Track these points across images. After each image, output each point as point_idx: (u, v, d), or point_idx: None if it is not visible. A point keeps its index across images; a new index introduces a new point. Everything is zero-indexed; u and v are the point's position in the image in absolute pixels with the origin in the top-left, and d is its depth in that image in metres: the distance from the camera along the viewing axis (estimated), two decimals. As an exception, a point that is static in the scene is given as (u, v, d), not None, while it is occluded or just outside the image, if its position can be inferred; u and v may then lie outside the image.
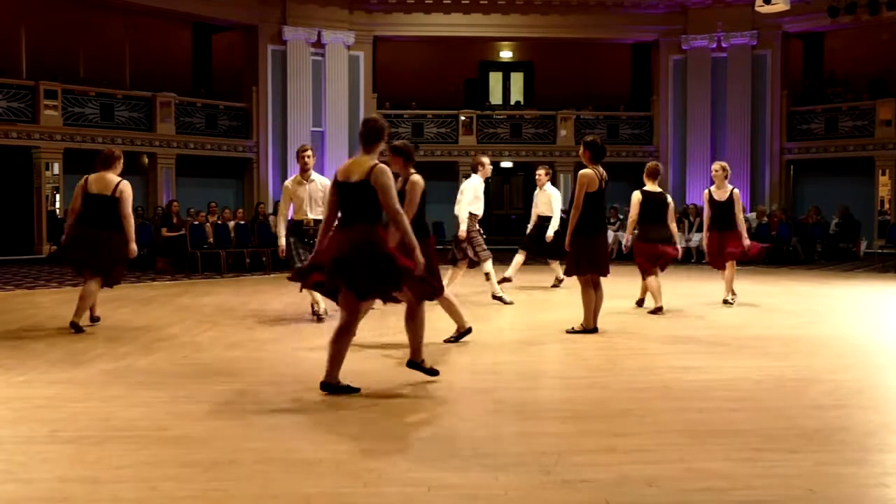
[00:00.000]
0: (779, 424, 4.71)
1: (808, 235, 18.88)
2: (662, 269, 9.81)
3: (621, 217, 18.71)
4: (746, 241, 10.06)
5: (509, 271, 11.74)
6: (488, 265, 10.31)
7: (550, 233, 11.87)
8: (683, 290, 12.38)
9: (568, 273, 8.06)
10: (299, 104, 22.39)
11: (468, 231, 10.10)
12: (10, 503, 3.56)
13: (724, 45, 22.82)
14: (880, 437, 4.56)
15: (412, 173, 6.89)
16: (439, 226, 21.27)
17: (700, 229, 18.00)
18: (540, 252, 12.23)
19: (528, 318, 9.42)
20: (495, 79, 27.06)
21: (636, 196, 9.72)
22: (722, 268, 10.29)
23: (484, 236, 10.41)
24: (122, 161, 8.52)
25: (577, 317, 8.10)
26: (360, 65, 23.30)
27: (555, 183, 23.66)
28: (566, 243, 7.94)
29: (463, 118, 23.94)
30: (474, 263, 10.30)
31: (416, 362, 5.81)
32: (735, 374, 6.11)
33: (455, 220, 10.30)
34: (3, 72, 19.66)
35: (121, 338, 7.81)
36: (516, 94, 26.87)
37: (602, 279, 7.98)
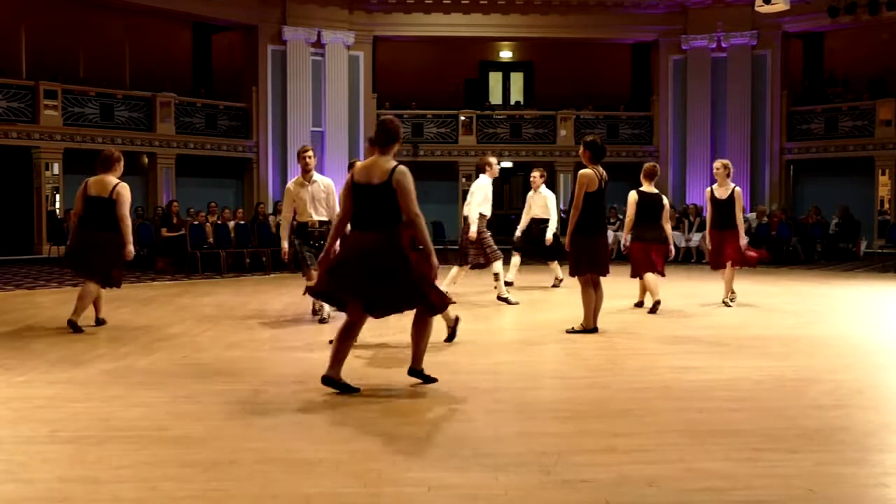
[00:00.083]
0: (779, 424, 4.71)
1: (808, 235, 18.88)
2: (663, 275, 9.81)
3: (621, 217, 18.70)
4: (744, 241, 10.00)
5: (509, 275, 11.74)
6: (498, 265, 10.30)
7: (549, 235, 11.88)
8: (683, 290, 12.38)
9: (570, 273, 8.05)
10: (299, 104, 22.39)
11: (479, 232, 10.08)
12: (10, 503, 3.56)
13: (724, 45, 22.83)
14: (880, 437, 4.56)
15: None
16: (439, 226, 21.30)
17: (700, 229, 18.06)
18: (537, 253, 12.20)
19: (528, 318, 9.42)
20: (495, 79, 27.06)
21: (632, 196, 9.77)
22: (720, 268, 10.29)
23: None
24: (122, 162, 8.51)
25: (577, 317, 8.10)
26: (360, 65, 23.31)
27: (555, 183, 23.83)
28: (566, 243, 7.94)
29: (463, 118, 23.95)
30: (479, 265, 10.27)
31: (417, 370, 5.73)
32: (735, 374, 6.11)
33: (456, 220, 10.32)
34: (3, 72, 19.66)
35: (121, 338, 7.81)
36: (516, 94, 26.87)
37: (602, 279, 7.98)
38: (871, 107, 21.85)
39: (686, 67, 23.32)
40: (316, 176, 8.75)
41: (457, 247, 10.35)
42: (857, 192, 21.50)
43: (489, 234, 10.34)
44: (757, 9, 19.23)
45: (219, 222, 16.74)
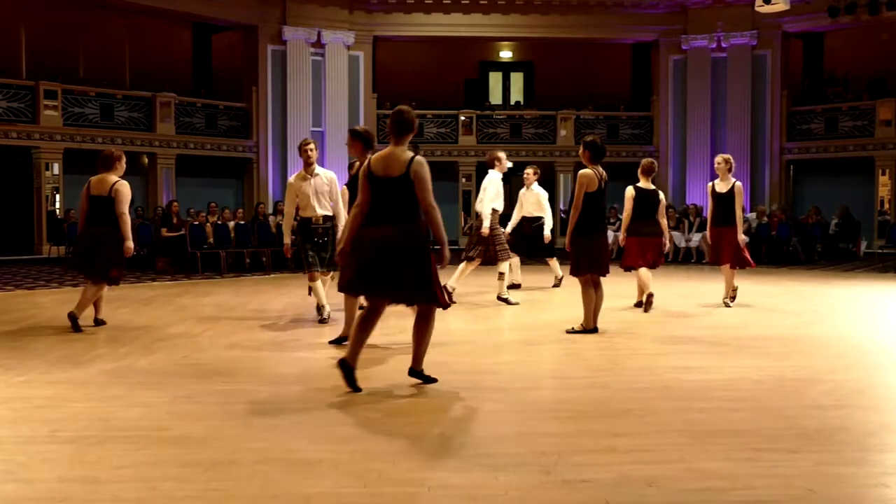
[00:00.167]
0: (779, 424, 4.71)
1: (808, 235, 18.88)
2: (654, 267, 9.88)
3: (621, 217, 18.70)
4: (741, 237, 9.92)
5: (516, 276, 11.72)
6: (505, 265, 10.29)
7: (548, 232, 11.86)
8: (683, 290, 12.38)
9: (570, 273, 8.05)
10: (299, 104, 22.39)
11: (492, 228, 10.05)
12: (10, 503, 3.56)
13: (724, 45, 22.83)
14: (880, 437, 4.56)
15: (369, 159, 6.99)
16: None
17: (700, 229, 18.07)
18: (529, 251, 12.12)
19: (528, 318, 9.42)
20: (495, 79, 27.07)
21: (629, 192, 9.84)
22: (718, 262, 10.24)
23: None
24: (123, 161, 8.55)
25: (577, 317, 8.10)
26: (360, 65, 23.31)
27: (555, 183, 23.84)
28: (566, 243, 7.94)
29: (463, 118, 23.96)
30: (489, 261, 10.23)
31: (417, 371, 5.71)
32: (735, 374, 6.11)
33: (456, 220, 10.30)
34: (3, 72, 19.67)
35: (121, 338, 7.81)
36: (516, 94, 26.88)
37: (602, 279, 7.98)
38: (871, 107, 21.85)
39: (686, 67, 23.33)
40: (318, 169, 8.60)
41: (459, 245, 10.32)
42: (857, 192, 21.50)
43: (502, 231, 10.31)
44: (757, 9, 19.23)
45: (219, 222, 16.74)
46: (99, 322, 8.53)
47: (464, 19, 23.25)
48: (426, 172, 5.37)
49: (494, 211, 10.09)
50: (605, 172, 7.89)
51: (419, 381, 5.69)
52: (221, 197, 20.47)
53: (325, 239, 8.44)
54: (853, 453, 4.20)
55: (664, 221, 10.06)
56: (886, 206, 21.71)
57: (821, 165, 23.07)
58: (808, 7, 20.60)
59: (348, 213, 7.13)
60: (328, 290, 8.62)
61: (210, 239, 16.30)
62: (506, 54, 26.89)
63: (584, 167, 7.89)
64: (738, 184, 10.02)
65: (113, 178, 8.32)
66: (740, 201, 9.96)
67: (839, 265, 17.25)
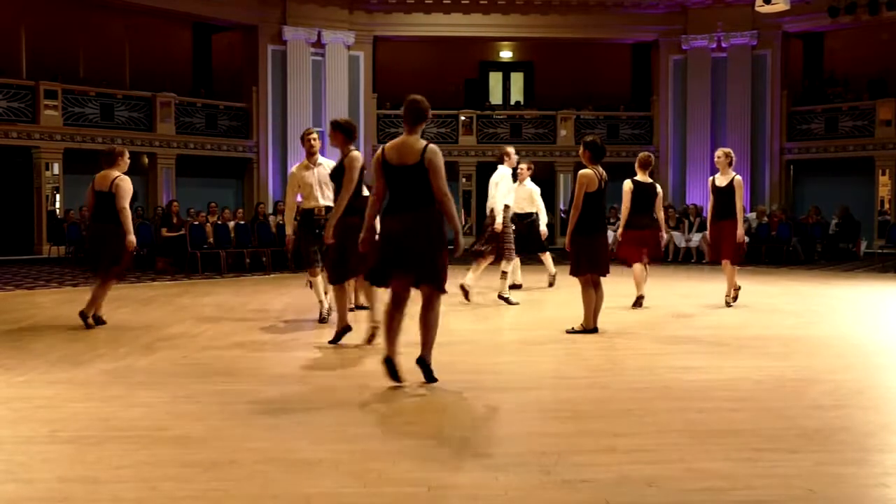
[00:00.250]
0: (779, 424, 4.71)
1: (808, 235, 18.87)
2: (649, 259, 10.00)
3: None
4: (740, 231, 9.83)
5: (517, 277, 11.70)
6: (510, 266, 10.27)
7: (544, 227, 11.83)
8: (683, 290, 12.38)
9: (571, 273, 8.05)
10: (299, 104, 22.40)
11: (504, 224, 10.01)
12: (10, 503, 3.56)
13: (724, 45, 22.84)
14: (880, 437, 4.56)
15: (351, 150, 7.02)
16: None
17: (700, 229, 18.07)
18: (523, 248, 12.06)
19: (528, 318, 9.42)
20: (495, 79, 27.08)
21: (627, 185, 9.90)
22: (716, 258, 10.22)
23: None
24: (126, 157, 8.67)
25: (577, 317, 8.10)
26: (360, 65, 23.32)
27: (555, 183, 23.85)
28: (566, 243, 7.94)
29: (463, 118, 23.96)
30: (496, 258, 10.21)
31: (425, 361, 5.66)
32: (735, 374, 6.11)
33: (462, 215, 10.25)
34: (3, 72, 19.68)
35: (121, 338, 7.81)
36: (516, 94, 26.88)
37: (602, 279, 7.98)
38: (871, 107, 21.86)
39: (686, 67, 23.34)
40: (321, 159, 8.48)
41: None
42: (857, 192, 21.50)
43: (512, 229, 10.28)
44: (757, 9, 19.24)
45: (219, 222, 16.74)
46: (98, 320, 8.53)
47: (464, 19, 23.26)
48: (440, 160, 5.44)
49: (506, 207, 10.06)
50: (605, 172, 7.89)
51: (422, 371, 5.64)
52: (221, 197, 20.47)
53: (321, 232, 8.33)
54: (853, 453, 4.20)
55: (661, 214, 10.17)
56: (886, 206, 21.72)
57: (821, 165, 23.08)
58: (808, 7, 20.61)
59: (334, 202, 7.18)
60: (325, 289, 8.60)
61: (210, 239, 16.30)
62: (506, 54, 26.90)
63: (585, 167, 7.89)
64: (738, 178, 9.90)
65: (115, 173, 8.44)
66: (740, 195, 9.85)
67: (839, 265, 17.25)
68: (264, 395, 5.48)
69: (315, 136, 8.54)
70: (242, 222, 17.43)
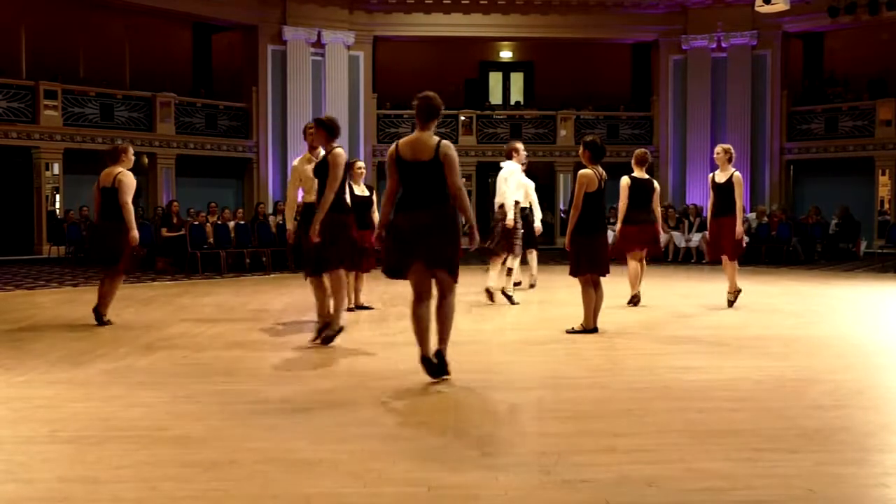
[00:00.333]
0: (779, 424, 4.71)
1: (808, 235, 18.88)
2: (648, 256, 10.14)
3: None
4: (739, 229, 9.73)
5: (517, 275, 11.67)
6: (516, 262, 10.26)
7: (539, 223, 11.80)
8: (683, 290, 12.38)
9: (570, 273, 8.05)
10: (299, 104, 22.40)
11: (515, 221, 10.00)
12: (10, 503, 3.56)
13: (724, 45, 22.85)
14: (880, 437, 4.56)
15: (334, 147, 7.02)
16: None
17: (700, 229, 18.07)
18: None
19: (528, 317, 9.42)
20: (495, 79, 27.08)
21: (624, 181, 9.96)
22: (716, 257, 10.20)
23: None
24: (129, 153, 8.76)
25: (577, 317, 8.10)
26: (360, 65, 23.33)
27: (555, 183, 23.85)
28: (566, 243, 7.94)
29: (463, 118, 23.96)
30: (509, 252, 10.19)
31: (441, 354, 5.71)
32: (735, 374, 6.11)
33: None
34: (3, 72, 19.68)
35: (121, 338, 7.81)
36: (516, 94, 26.89)
37: (602, 279, 7.98)
38: (871, 107, 21.87)
39: (686, 67, 23.34)
40: (322, 152, 8.32)
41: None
42: (857, 192, 21.51)
43: (521, 225, 10.26)
44: (757, 9, 19.24)
45: (219, 222, 16.74)
46: (100, 315, 8.53)
47: (464, 19, 23.26)
48: (455, 155, 5.53)
49: (516, 203, 10.06)
50: (605, 172, 7.89)
51: (437, 364, 5.67)
52: (221, 197, 20.47)
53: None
54: (853, 453, 4.20)
55: (658, 210, 10.28)
56: (886, 206, 21.72)
57: (821, 165, 23.08)
58: (808, 7, 20.61)
59: (317, 203, 7.14)
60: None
61: (210, 239, 16.30)
62: (506, 54, 26.90)
63: (584, 167, 7.88)
64: (738, 174, 9.81)
65: (118, 169, 8.54)
66: (740, 191, 9.75)
67: (839, 265, 17.25)
68: (264, 395, 5.48)
69: None
70: (242, 222, 17.43)
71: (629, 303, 9.96)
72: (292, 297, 11.27)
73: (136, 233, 8.52)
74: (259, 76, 22.41)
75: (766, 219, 19.07)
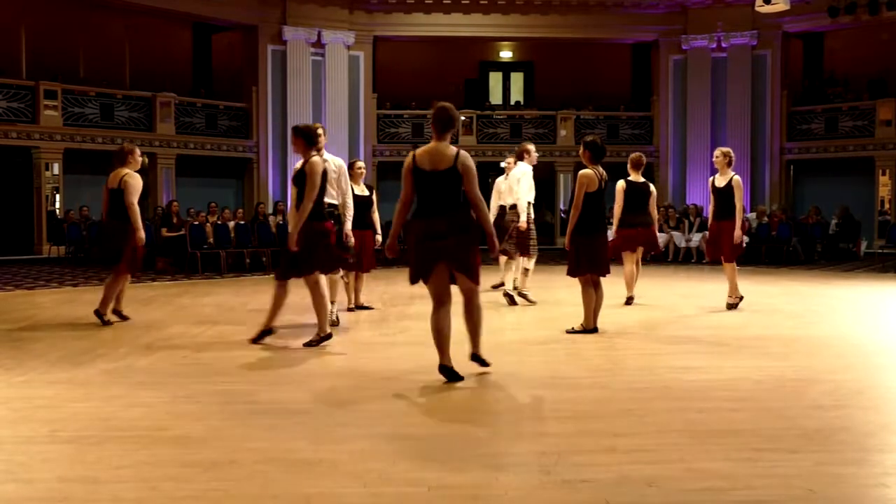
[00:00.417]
0: (779, 424, 4.71)
1: (808, 235, 18.88)
2: (645, 256, 10.36)
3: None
4: (738, 232, 9.60)
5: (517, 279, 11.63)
6: (532, 262, 10.26)
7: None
8: (683, 290, 12.38)
9: (570, 273, 8.05)
10: (299, 104, 22.40)
11: (528, 222, 10.00)
12: (10, 503, 3.56)
13: (724, 45, 22.85)
14: (880, 437, 4.56)
15: (312, 156, 7.02)
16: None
17: (700, 229, 18.07)
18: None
19: (528, 317, 9.41)
20: (495, 79, 27.08)
21: (620, 185, 10.03)
22: (714, 258, 10.17)
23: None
24: (136, 154, 8.86)
25: (576, 316, 8.10)
26: (360, 65, 23.32)
27: (555, 183, 23.83)
28: (566, 243, 7.94)
29: (463, 118, 23.95)
30: (524, 253, 10.18)
31: (478, 355, 5.94)
32: (735, 374, 6.11)
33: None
34: (3, 72, 19.68)
35: (121, 338, 7.81)
36: (516, 94, 26.88)
37: (602, 279, 7.98)
38: (871, 107, 21.86)
39: (686, 67, 23.34)
40: (327, 155, 8.22)
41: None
42: (857, 192, 21.51)
43: (533, 226, 10.25)
44: (757, 9, 19.24)
45: (219, 222, 16.74)
46: (101, 315, 8.56)
47: (464, 19, 23.26)
48: (473, 165, 5.64)
49: (528, 204, 10.07)
50: (605, 172, 7.89)
51: (480, 365, 5.93)
52: (221, 197, 20.47)
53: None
54: (853, 453, 4.20)
55: (655, 213, 10.39)
56: (886, 206, 21.72)
57: (821, 165, 23.08)
58: (808, 7, 20.61)
59: (297, 208, 7.13)
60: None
61: (210, 239, 16.30)
62: (506, 54, 26.90)
63: (585, 167, 7.89)
64: (737, 178, 9.70)
65: (125, 170, 8.65)
66: (740, 195, 9.62)
67: (839, 265, 17.25)
68: (264, 395, 5.48)
69: (321, 131, 8.18)
70: (242, 222, 17.43)
71: (626, 304, 10.04)
72: (292, 296, 11.21)
73: (142, 233, 8.65)
74: (259, 76, 22.41)
75: (766, 219, 19.07)
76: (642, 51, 24.99)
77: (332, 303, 8.42)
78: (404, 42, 24.31)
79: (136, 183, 8.60)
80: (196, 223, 16.40)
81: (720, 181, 9.80)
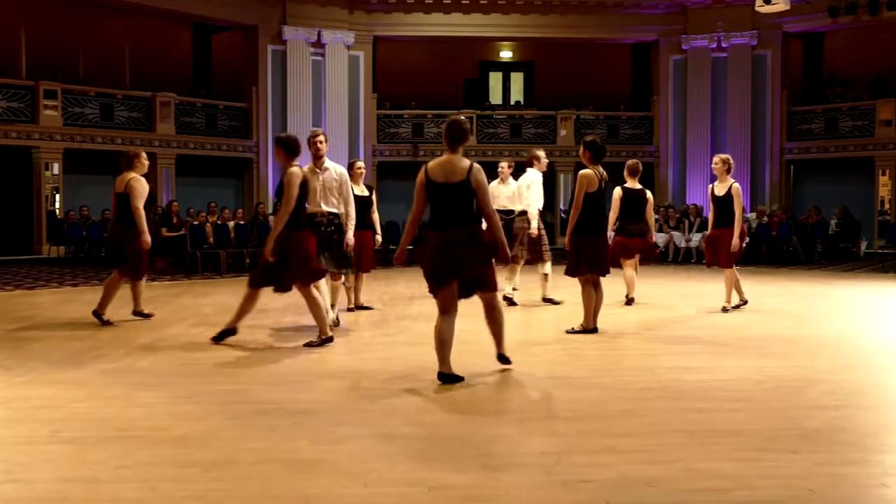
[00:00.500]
0: (779, 425, 4.71)
1: (808, 235, 18.88)
2: (642, 262, 10.47)
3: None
4: (736, 241, 9.42)
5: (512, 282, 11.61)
6: (549, 266, 10.25)
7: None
8: (684, 290, 12.38)
9: (569, 273, 8.05)
10: (299, 104, 22.40)
11: (539, 228, 10.00)
12: (10, 503, 3.56)
13: (724, 45, 22.84)
14: (880, 437, 4.56)
15: (292, 166, 7.04)
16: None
17: (701, 229, 18.07)
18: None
19: (528, 317, 9.42)
20: (495, 79, 27.06)
21: (617, 192, 10.08)
22: (713, 265, 10.02)
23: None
24: (142, 158, 8.96)
25: (576, 316, 8.10)
26: (360, 65, 23.31)
27: (555, 183, 23.82)
28: (566, 243, 7.94)
29: (463, 118, 23.92)
30: (533, 261, 10.18)
31: (503, 355, 6.10)
32: (735, 374, 6.11)
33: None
34: (3, 72, 19.67)
35: (121, 338, 7.81)
36: (516, 94, 26.87)
37: (602, 279, 7.98)
38: (871, 107, 21.86)
39: (686, 67, 23.33)
40: (328, 163, 8.12)
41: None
42: (857, 192, 21.51)
43: (545, 230, 10.26)
44: (757, 9, 19.23)
45: (219, 222, 16.75)
46: (99, 315, 8.57)
47: (464, 19, 23.25)
48: (485, 179, 5.77)
49: (539, 211, 10.09)
50: (605, 172, 7.89)
51: (504, 364, 6.11)
52: (221, 197, 20.47)
53: (332, 236, 8.11)
54: (853, 453, 4.20)
55: (652, 220, 10.46)
56: (886, 206, 21.72)
57: (821, 165, 23.08)
58: (808, 7, 20.62)
59: (274, 215, 7.11)
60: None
61: (210, 239, 16.30)
62: (506, 54, 26.89)
63: (585, 167, 7.88)
64: (736, 185, 9.52)
65: (130, 174, 8.74)
66: (738, 203, 9.43)
67: (839, 265, 17.25)
68: (264, 395, 5.48)
69: (322, 138, 8.20)
70: (242, 222, 17.43)
71: (626, 304, 10.09)
72: (292, 297, 11.22)
73: (147, 237, 8.71)
74: (259, 76, 22.40)
75: (766, 219, 19.07)
76: (642, 51, 24.99)
77: (333, 305, 8.42)
78: (404, 42, 24.30)
79: (141, 187, 8.69)
80: (196, 223, 16.41)
81: (720, 189, 9.60)
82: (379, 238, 10.10)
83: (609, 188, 8.01)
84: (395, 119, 24.00)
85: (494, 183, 11.41)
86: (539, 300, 10.40)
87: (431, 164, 5.83)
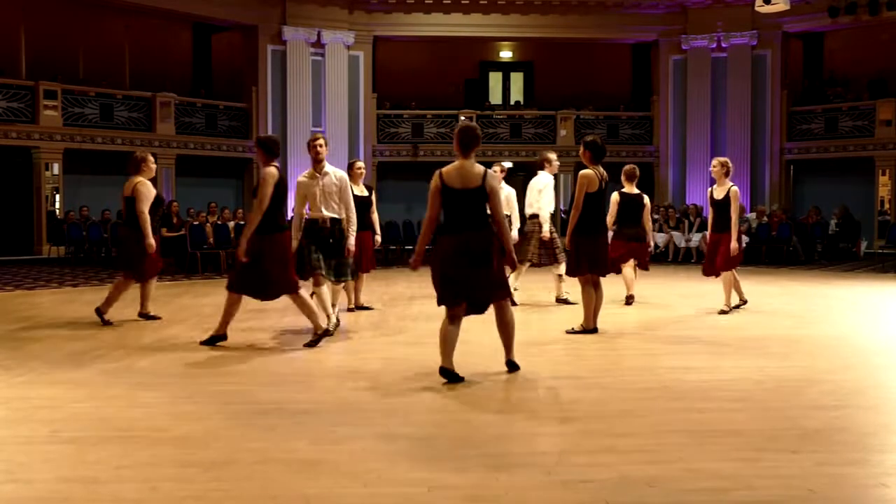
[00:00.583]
0: (779, 425, 4.71)
1: (808, 235, 18.87)
2: (644, 268, 10.51)
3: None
4: (734, 244, 9.33)
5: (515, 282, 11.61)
6: (563, 268, 10.23)
7: (515, 233, 11.70)
8: (684, 290, 12.38)
9: (569, 273, 8.05)
10: (299, 104, 22.40)
11: (551, 231, 10.01)
12: (10, 503, 3.56)
13: (724, 45, 22.84)
14: (880, 437, 4.56)
15: (269, 166, 7.05)
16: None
17: (701, 229, 18.07)
18: None
19: (528, 318, 9.42)
20: (495, 79, 27.05)
21: (614, 197, 10.17)
22: (710, 275, 9.82)
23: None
24: (149, 162, 9.09)
25: (577, 317, 8.10)
26: (360, 65, 23.31)
27: (555, 183, 23.76)
28: (566, 243, 7.94)
29: (463, 118, 23.93)
30: (543, 264, 10.15)
31: (513, 361, 6.15)
32: (735, 374, 6.11)
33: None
34: (3, 72, 19.67)
35: (121, 338, 7.81)
36: (516, 94, 26.87)
37: (602, 279, 7.99)
38: (871, 107, 21.85)
39: (686, 67, 23.33)
40: (328, 168, 7.93)
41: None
42: (857, 192, 21.50)
43: (557, 232, 10.27)
44: (757, 9, 19.23)
45: (219, 222, 16.75)
46: (101, 314, 8.63)
47: (464, 19, 23.25)
48: (499, 184, 5.94)
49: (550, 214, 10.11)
50: (605, 172, 7.89)
51: (513, 370, 6.12)
52: (221, 197, 20.47)
53: (333, 242, 7.94)
54: (853, 453, 4.20)
55: (649, 225, 10.51)
56: (886, 206, 21.71)
57: (821, 165, 23.07)
58: (808, 7, 20.61)
59: (247, 218, 7.11)
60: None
61: (210, 239, 16.30)
62: (506, 54, 26.88)
63: (585, 167, 7.89)
64: (734, 189, 9.44)
65: (137, 178, 8.87)
66: (735, 207, 9.36)
67: (839, 265, 17.25)
68: (264, 395, 5.48)
69: (321, 141, 7.99)
70: (242, 222, 17.41)
71: (626, 303, 10.11)
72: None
73: (151, 240, 8.78)
74: (259, 76, 22.40)
75: (766, 219, 19.06)
76: (642, 51, 24.98)
77: (333, 305, 8.38)
78: (404, 42, 24.30)
79: (146, 191, 8.78)
80: (196, 223, 16.41)
81: (718, 193, 9.54)
82: (378, 238, 10.11)
83: (609, 188, 8.00)
84: (394, 119, 24.00)
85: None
86: (553, 301, 10.44)
87: (446, 169, 5.89)
